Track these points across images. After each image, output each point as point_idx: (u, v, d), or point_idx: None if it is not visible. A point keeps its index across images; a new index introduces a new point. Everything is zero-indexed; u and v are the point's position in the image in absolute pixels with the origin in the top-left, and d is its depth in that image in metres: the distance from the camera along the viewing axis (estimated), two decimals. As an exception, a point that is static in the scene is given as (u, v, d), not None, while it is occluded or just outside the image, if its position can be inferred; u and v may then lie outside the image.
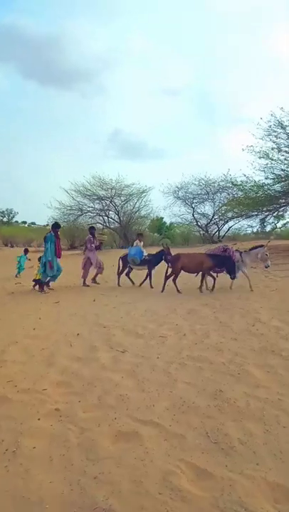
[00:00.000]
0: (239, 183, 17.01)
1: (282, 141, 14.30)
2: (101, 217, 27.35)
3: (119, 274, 9.50)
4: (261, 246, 7.98)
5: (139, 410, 2.66)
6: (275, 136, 14.35)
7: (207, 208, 26.82)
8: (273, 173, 14.80)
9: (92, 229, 10.24)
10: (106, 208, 27.36)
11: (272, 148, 14.49)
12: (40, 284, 8.94)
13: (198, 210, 27.10)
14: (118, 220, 27.38)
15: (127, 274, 9.72)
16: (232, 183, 17.71)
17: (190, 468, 2.00)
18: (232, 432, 2.34)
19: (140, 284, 9.25)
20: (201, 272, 7.93)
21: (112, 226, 28.06)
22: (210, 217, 27.00)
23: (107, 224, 27.49)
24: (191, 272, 8.10)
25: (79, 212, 26.84)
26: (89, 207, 27.16)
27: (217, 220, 26.92)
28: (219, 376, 3.20)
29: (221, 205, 25.22)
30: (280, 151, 14.33)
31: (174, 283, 7.98)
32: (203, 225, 27.70)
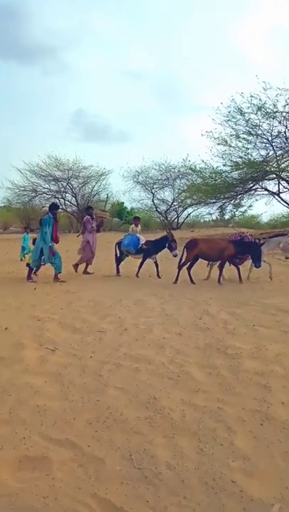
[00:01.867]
0: (198, 169, 16.81)
1: (240, 127, 14.17)
2: (57, 200, 26.26)
3: (117, 262, 8.47)
4: (283, 234, 7.43)
5: (56, 426, 2.23)
6: (234, 123, 14.21)
7: (167, 194, 26.64)
8: (231, 160, 14.70)
9: (89, 209, 9.11)
10: (62, 189, 26.34)
11: (231, 135, 14.36)
12: (30, 270, 7.94)
13: (158, 196, 26.84)
14: (76, 203, 26.46)
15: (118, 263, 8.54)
16: (191, 168, 17.49)
17: (103, 507, 1.61)
18: (161, 452, 1.98)
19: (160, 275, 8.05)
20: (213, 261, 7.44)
21: (68, 209, 27.10)
22: (169, 203, 26.83)
23: (64, 207, 26.46)
24: (209, 259, 7.44)
25: (33, 194, 25.65)
26: (44, 188, 26.03)
27: (176, 206, 26.82)
28: (156, 380, 2.85)
29: (180, 191, 25.07)
30: (238, 137, 14.21)
31: (189, 272, 7.18)
32: (163, 211, 27.50)
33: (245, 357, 3.21)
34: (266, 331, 3.88)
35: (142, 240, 8.15)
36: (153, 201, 27.06)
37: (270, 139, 14.14)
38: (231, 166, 14.77)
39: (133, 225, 8.63)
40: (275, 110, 13.18)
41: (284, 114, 13.07)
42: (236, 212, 20.95)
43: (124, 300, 5.48)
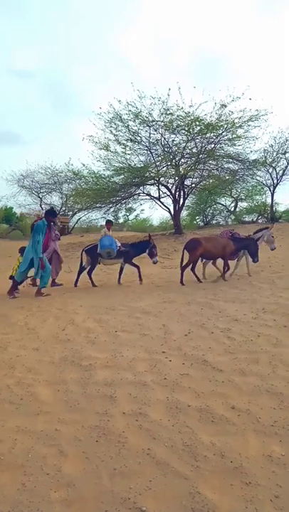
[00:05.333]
0: (82, 173, 16.65)
1: (121, 133, 14.44)
2: None
3: (80, 271, 7.62)
4: (266, 228, 7.73)
5: None
6: (115, 129, 14.41)
7: (56, 199, 25.84)
8: (112, 165, 14.89)
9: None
10: None
11: (112, 140, 14.54)
12: (14, 283, 6.70)
13: (46, 201, 25.85)
14: None
15: (89, 273, 7.55)
16: (73, 172, 17.21)
17: None
18: (-28, 499, 1.71)
19: (140, 280, 7.48)
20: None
21: None
22: (58, 208, 26.07)
23: None
24: (212, 258, 7.28)
25: None
26: None
27: (66, 211, 26.21)
28: (-7, 407, 2.54)
29: (68, 195, 24.56)
30: (119, 143, 14.45)
31: (194, 272, 7.08)
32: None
33: (98, 367, 3.11)
34: (126, 336, 3.87)
35: (118, 242, 7.55)
36: (41, 206, 25.95)
37: (148, 145, 14.72)
38: (113, 170, 14.97)
39: (105, 229, 7.90)
40: (151, 119, 13.77)
41: (159, 123, 13.72)
42: (130, 216, 21.56)
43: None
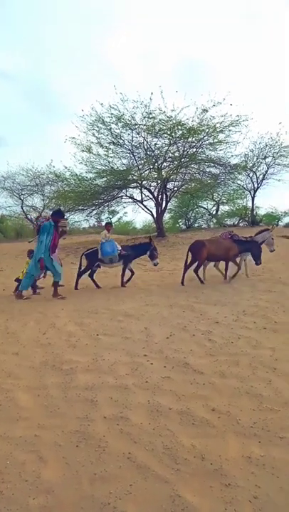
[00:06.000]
0: (64, 175, 16.52)
1: (103, 136, 14.43)
2: None
3: (80, 274, 7.52)
4: (266, 230, 7.75)
5: None
6: (97, 132, 14.39)
7: (37, 201, 25.53)
8: (94, 168, 14.86)
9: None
10: None
11: (95, 143, 14.52)
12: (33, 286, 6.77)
13: (27, 203, 25.51)
14: None
15: (80, 274, 7.54)
16: (55, 174, 17.07)
17: None
18: None
19: (125, 284, 7.50)
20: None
21: None
22: (40, 210, 25.77)
23: None
24: (216, 260, 7.34)
25: None
26: None
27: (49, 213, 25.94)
28: None
29: (50, 198, 24.32)
30: (101, 146, 14.43)
31: (197, 274, 7.14)
32: (34, 219, 26.27)
33: (79, 371, 3.09)
34: (108, 340, 3.85)
35: (118, 245, 7.48)
36: (22, 208, 25.61)
37: (131, 149, 14.76)
38: (95, 173, 14.94)
39: (105, 231, 7.79)
40: (134, 123, 13.82)
41: (141, 126, 13.78)
42: (113, 219, 21.52)
43: None
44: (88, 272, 7.56)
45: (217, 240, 7.51)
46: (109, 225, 8.11)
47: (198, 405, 2.47)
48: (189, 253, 7.25)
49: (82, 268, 7.57)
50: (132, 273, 7.60)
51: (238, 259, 7.57)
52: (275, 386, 2.69)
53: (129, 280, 7.49)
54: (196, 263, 7.20)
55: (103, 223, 26.24)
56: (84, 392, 2.72)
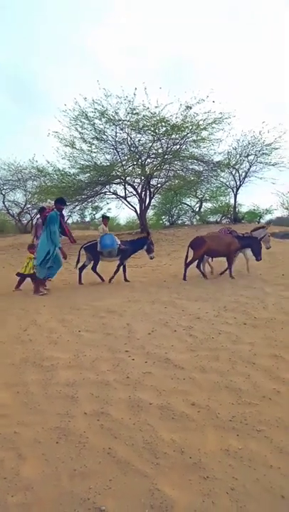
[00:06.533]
0: (47, 170, 16.32)
1: (86, 131, 14.29)
2: None
3: (82, 268, 7.49)
4: (263, 227, 7.84)
5: None
6: (81, 127, 14.24)
7: (19, 196, 25.12)
8: (78, 163, 14.72)
9: (43, 210, 7.18)
10: None
11: (78, 138, 14.37)
12: (36, 280, 6.51)
13: (9, 198, 25.07)
14: None
15: (94, 268, 7.50)
16: (37, 169, 16.82)
17: None
18: None
19: (110, 280, 7.46)
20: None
21: None
22: (22, 205, 25.39)
23: None
24: (217, 255, 7.31)
25: None
26: None
27: (30, 208, 25.57)
28: None
29: (33, 193, 23.97)
30: (84, 141, 14.29)
31: (199, 269, 7.30)
32: (16, 214, 25.87)
33: (60, 368, 3.07)
34: (89, 336, 3.84)
35: (117, 240, 7.46)
36: (4, 203, 25.16)
37: (114, 144, 14.67)
38: (78, 168, 14.80)
39: (103, 225, 7.71)
40: (117, 118, 13.73)
41: (125, 122, 13.71)
42: (96, 215, 21.40)
43: None
44: (81, 265, 7.54)
45: (218, 236, 7.54)
46: (105, 218, 8.08)
47: (178, 400, 2.50)
48: (190, 249, 7.28)
49: (85, 262, 7.57)
50: (118, 270, 7.58)
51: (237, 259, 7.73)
52: (253, 380, 2.74)
53: (113, 277, 7.46)
54: (197, 260, 7.33)
55: (87, 219, 26.12)
56: (65, 389, 2.71)
